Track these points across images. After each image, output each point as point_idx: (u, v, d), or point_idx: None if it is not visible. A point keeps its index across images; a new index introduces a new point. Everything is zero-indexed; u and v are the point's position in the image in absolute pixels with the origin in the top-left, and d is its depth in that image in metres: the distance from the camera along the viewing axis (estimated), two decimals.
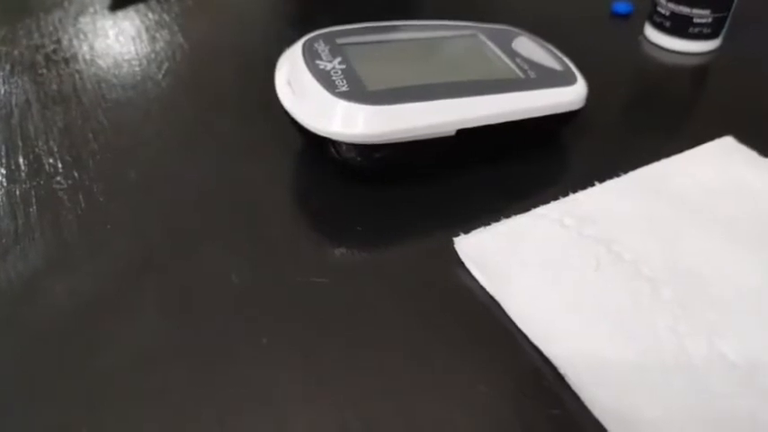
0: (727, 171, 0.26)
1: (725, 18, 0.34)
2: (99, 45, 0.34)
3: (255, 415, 0.18)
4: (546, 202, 0.24)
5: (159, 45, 0.34)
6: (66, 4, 0.38)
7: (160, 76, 0.32)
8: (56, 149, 0.27)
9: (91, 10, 0.37)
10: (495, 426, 0.18)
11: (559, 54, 0.28)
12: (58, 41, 0.34)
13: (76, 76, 0.31)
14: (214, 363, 0.19)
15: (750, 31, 0.37)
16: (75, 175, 0.26)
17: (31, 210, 0.24)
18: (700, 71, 0.34)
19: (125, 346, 0.19)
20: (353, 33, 0.27)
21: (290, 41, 0.27)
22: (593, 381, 0.18)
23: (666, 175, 0.26)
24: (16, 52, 0.33)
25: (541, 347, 0.19)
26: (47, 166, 0.26)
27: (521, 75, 0.26)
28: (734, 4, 0.34)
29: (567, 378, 0.19)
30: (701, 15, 0.33)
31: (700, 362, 0.19)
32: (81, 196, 0.25)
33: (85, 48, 0.34)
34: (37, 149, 0.27)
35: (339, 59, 0.25)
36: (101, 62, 0.33)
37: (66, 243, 0.23)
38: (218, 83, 0.31)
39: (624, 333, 0.20)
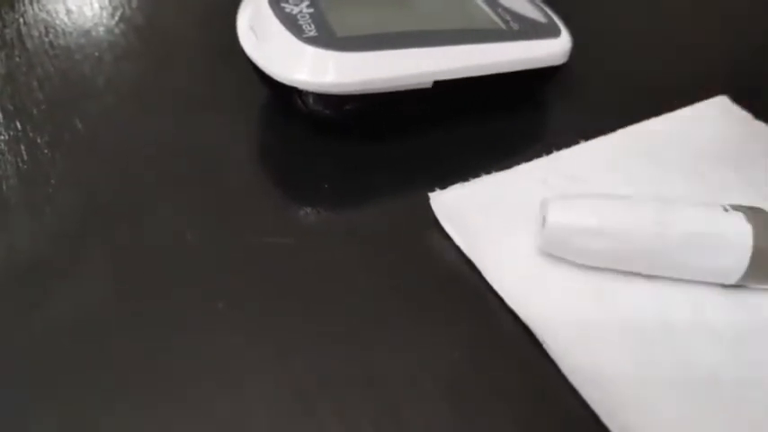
0: (719, 133, 0.25)
1: None
2: None
3: (210, 384, 0.16)
4: (529, 160, 0.23)
5: None
6: None
7: (114, 23, 0.29)
8: None
9: None
10: (468, 394, 0.17)
11: (543, 6, 0.26)
12: None
13: (21, 20, 0.29)
14: (165, 328, 0.18)
15: None
16: (18, 125, 0.23)
17: None
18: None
19: (68, 311, 0.18)
20: None
21: None
22: (571, 347, 0.17)
23: (656, 134, 0.24)
24: None
25: (518, 312, 0.18)
26: None
27: (502, 25, 0.24)
28: None
29: (544, 344, 0.17)
30: None
31: (683, 330, 0.18)
32: (23, 148, 0.22)
33: None
34: None
35: (307, 3, 0.23)
36: (49, 6, 0.30)
37: (5, 198, 0.21)
38: (176, 30, 0.29)
39: (605, 299, 0.19)
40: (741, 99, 0.26)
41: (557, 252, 0.19)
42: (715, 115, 0.26)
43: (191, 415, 0.16)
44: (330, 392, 0.16)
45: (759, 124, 0.25)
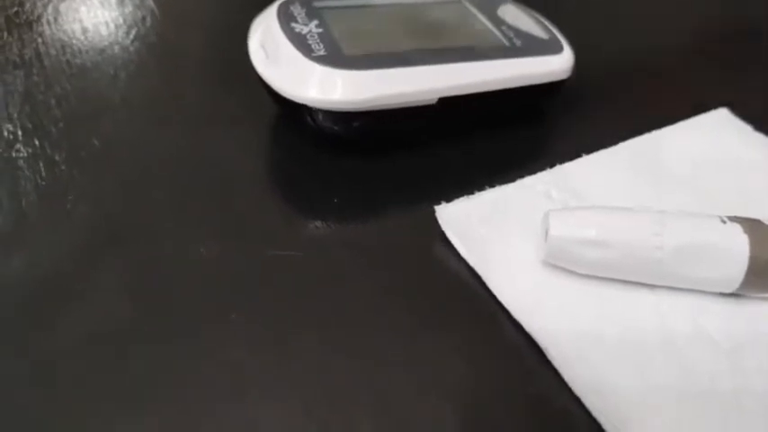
0: (720, 145, 0.25)
1: None
2: (64, 8, 0.32)
3: (220, 396, 0.17)
4: (533, 173, 0.23)
5: (128, 9, 0.32)
6: None
7: (128, 42, 0.30)
8: (15, 116, 0.25)
9: None
10: (472, 404, 0.17)
11: (546, 22, 0.27)
12: (21, 3, 0.32)
13: (39, 40, 0.30)
14: (178, 339, 0.18)
15: None
16: (36, 142, 0.24)
17: None
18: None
19: (85, 324, 0.18)
20: None
21: (265, 4, 0.25)
22: (575, 357, 0.18)
23: (658, 146, 0.25)
24: None
25: (522, 322, 0.19)
26: (6, 133, 0.24)
27: (506, 42, 0.25)
28: None
29: (547, 354, 0.18)
30: None
31: (683, 340, 0.18)
32: (42, 165, 0.23)
33: (50, 10, 0.32)
34: None
35: (316, 23, 0.23)
36: (66, 26, 0.31)
37: (24, 214, 0.21)
38: (190, 49, 0.30)
39: (607, 309, 0.19)
40: (742, 112, 0.27)
41: (559, 263, 0.20)
42: (715, 127, 0.26)
43: (200, 425, 0.16)
44: (339, 405, 0.17)
45: (759, 136, 0.26)
